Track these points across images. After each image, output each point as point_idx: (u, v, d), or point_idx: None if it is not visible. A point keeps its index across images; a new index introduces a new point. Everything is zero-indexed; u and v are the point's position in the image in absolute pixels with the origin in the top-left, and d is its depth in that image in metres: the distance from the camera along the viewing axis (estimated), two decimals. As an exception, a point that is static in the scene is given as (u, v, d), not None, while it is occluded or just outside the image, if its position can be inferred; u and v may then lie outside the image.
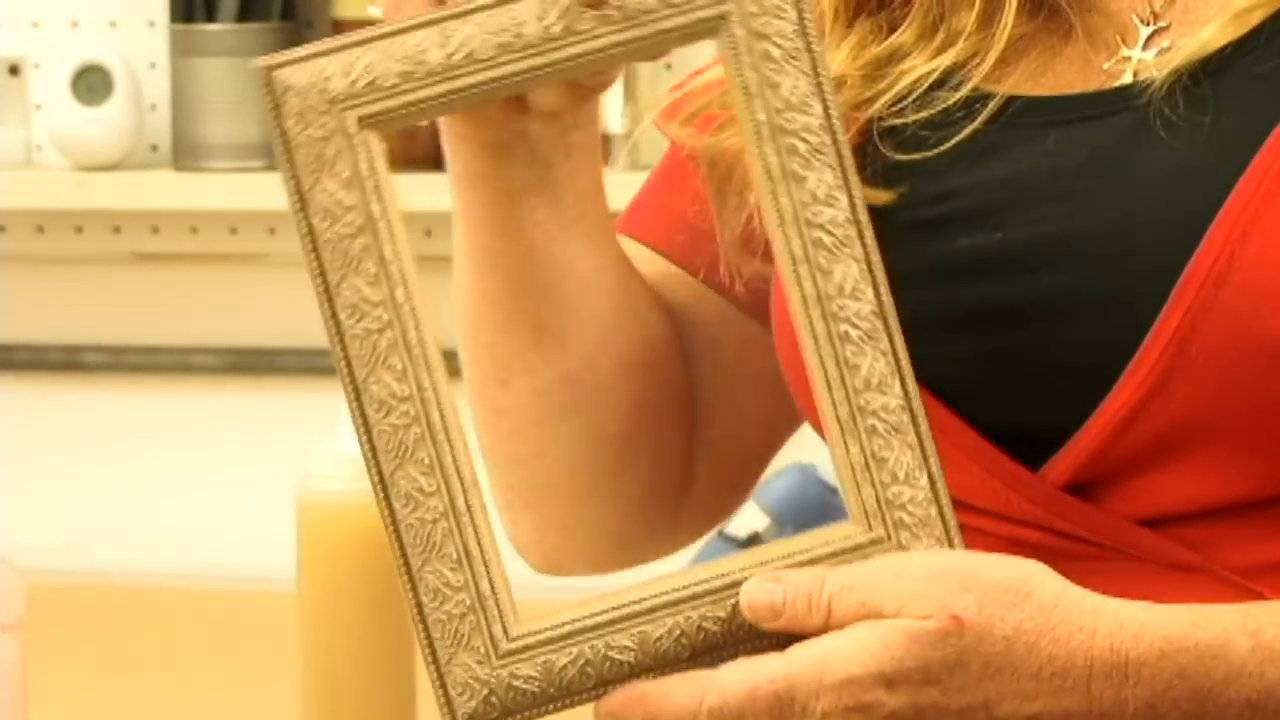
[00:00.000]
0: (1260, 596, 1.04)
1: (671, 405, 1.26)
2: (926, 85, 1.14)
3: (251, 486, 1.94)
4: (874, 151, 1.13)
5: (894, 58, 1.16)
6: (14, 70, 2.46)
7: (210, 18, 2.42)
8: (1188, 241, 1.04)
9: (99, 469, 2.38)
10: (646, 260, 1.27)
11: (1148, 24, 1.13)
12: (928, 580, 0.97)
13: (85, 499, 2.28)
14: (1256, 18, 1.08)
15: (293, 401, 2.27)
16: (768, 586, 0.97)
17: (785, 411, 1.21)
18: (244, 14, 2.41)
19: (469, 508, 1.05)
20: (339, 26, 2.42)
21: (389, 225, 1.07)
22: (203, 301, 2.51)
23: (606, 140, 2.29)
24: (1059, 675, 0.97)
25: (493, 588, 1.05)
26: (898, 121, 1.14)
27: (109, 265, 2.50)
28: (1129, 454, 1.06)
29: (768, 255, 1.11)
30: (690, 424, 1.28)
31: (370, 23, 2.38)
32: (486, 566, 1.07)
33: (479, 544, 1.06)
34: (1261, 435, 1.04)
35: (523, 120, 1.11)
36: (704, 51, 1.22)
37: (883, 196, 1.11)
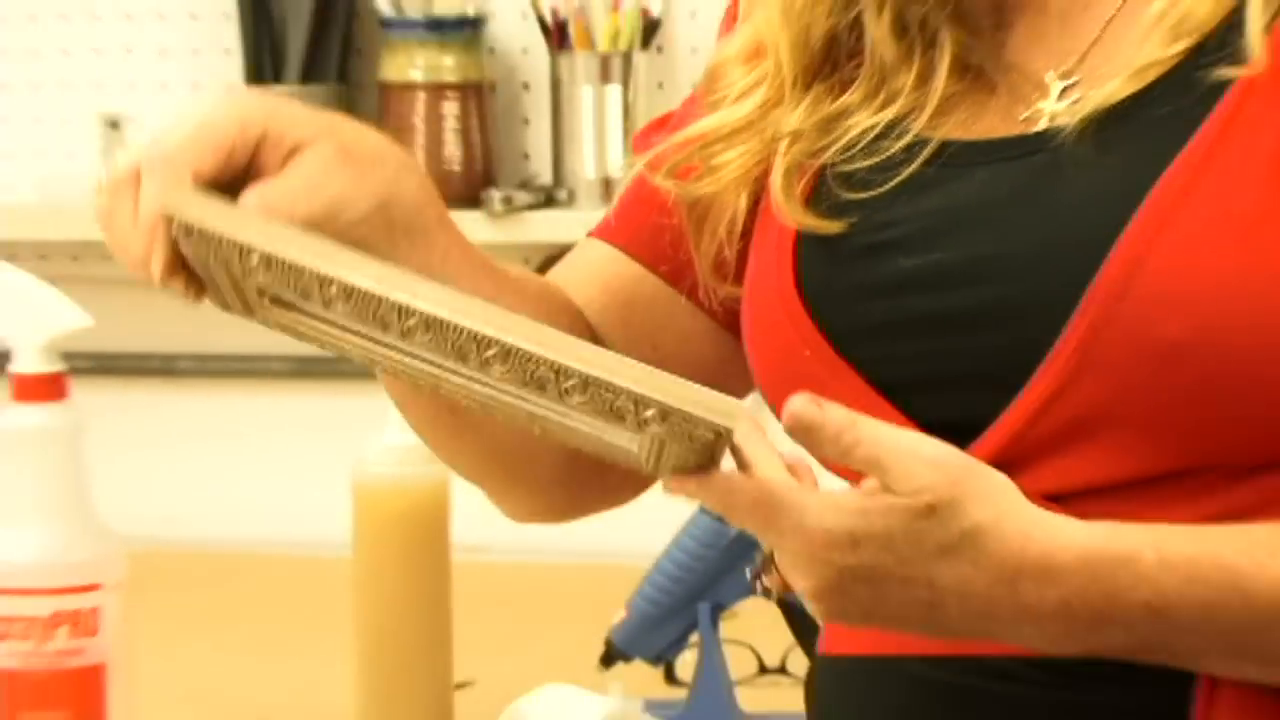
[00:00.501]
0: None
1: None
2: (872, 136, 1.13)
3: (315, 471, 1.97)
4: (827, 191, 1.13)
5: (844, 114, 1.15)
6: (114, 125, 2.45)
7: (278, 79, 2.39)
8: (1093, 261, 1.03)
9: (189, 457, 2.43)
10: (622, 262, 1.27)
11: (1061, 80, 1.11)
12: (927, 464, 0.96)
13: (178, 481, 2.33)
14: (1153, 73, 1.06)
15: (349, 401, 2.27)
16: (813, 408, 0.94)
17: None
18: (306, 77, 2.38)
19: None
20: (385, 89, 2.40)
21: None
22: None
23: (608, 184, 2.31)
24: (994, 569, 0.96)
25: None
26: (848, 167, 1.13)
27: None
28: (1040, 439, 1.05)
29: (738, 278, 1.16)
30: None
31: (412, 85, 2.36)
32: None
33: None
34: (1154, 425, 1.03)
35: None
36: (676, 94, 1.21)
37: (836, 226, 1.11)
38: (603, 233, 1.28)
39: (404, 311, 0.96)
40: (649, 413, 0.93)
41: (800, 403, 0.94)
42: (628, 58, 2.31)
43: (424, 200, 1.14)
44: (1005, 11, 1.14)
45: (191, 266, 1.02)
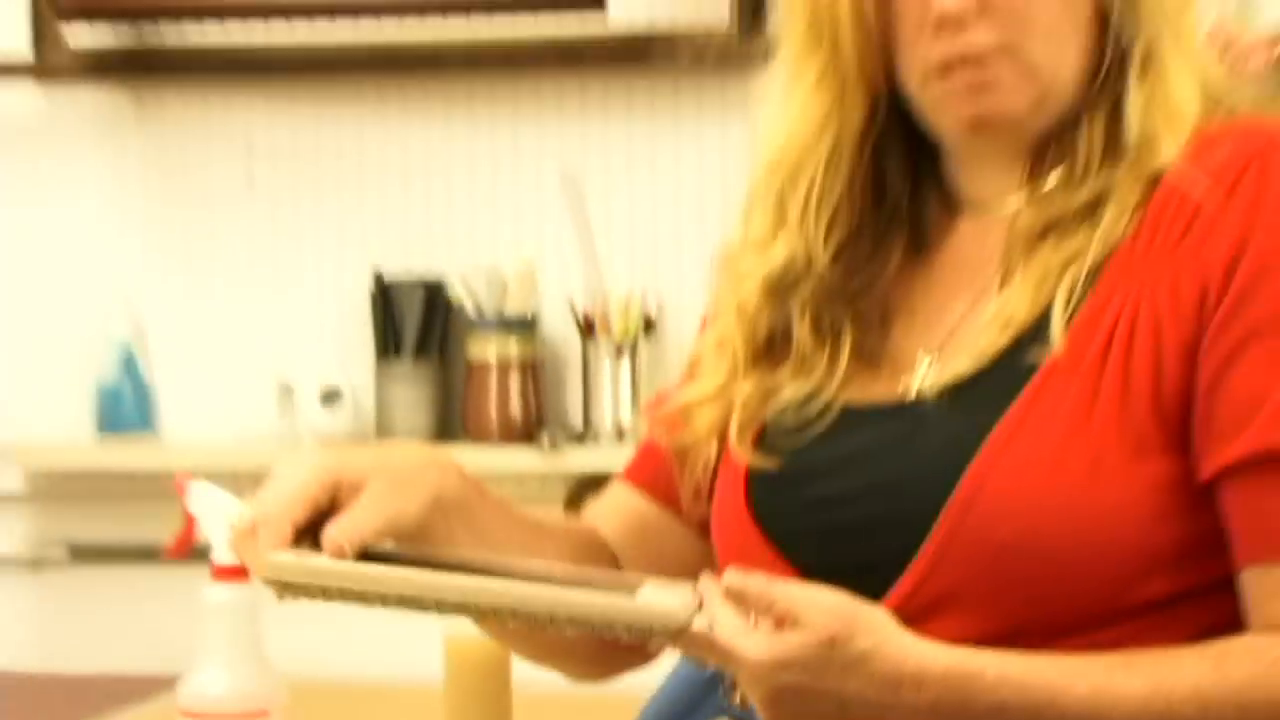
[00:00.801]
0: None
1: None
2: (797, 402, 1.10)
3: (418, 628, 1.97)
4: (768, 441, 1.10)
5: (778, 387, 1.11)
6: (287, 390, 2.40)
7: (397, 355, 2.35)
8: (946, 489, 1.01)
9: (335, 614, 2.32)
10: (636, 497, 1.22)
11: (927, 359, 1.08)
12: (825, 609, 0.94)
13: (326, 630, 2.19)
14: (989, 356, 1.03)
15: None
16: (740, 578, 0.94)
17: None
18: (417, 355, 2.34)
19: None
20: (469, 365, 2.35)
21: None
22: None
23: (621, 430, 2.30)
24: (881, 681, 0.94)
25: None
26: (781, 424, 1.11)
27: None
28: (911, 613, 1.00)
29: (709, 501, 1.12)
30: None
31: (487, 364, 2.32)
32: None
33: None
34: (991, 602, 1.00)
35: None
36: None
37: (773, 464, 1.09)
38: (625, 475, 1.24)
39: (440, 604, 0.98)
40: (620, 629, 0.96)
41: (731, 576, 0.95)
42: (634, 345, 2.31)
43: (464, 488, 1.10)
44: (888, 314, 1.12)
45: None
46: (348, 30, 2.36)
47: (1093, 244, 1.03)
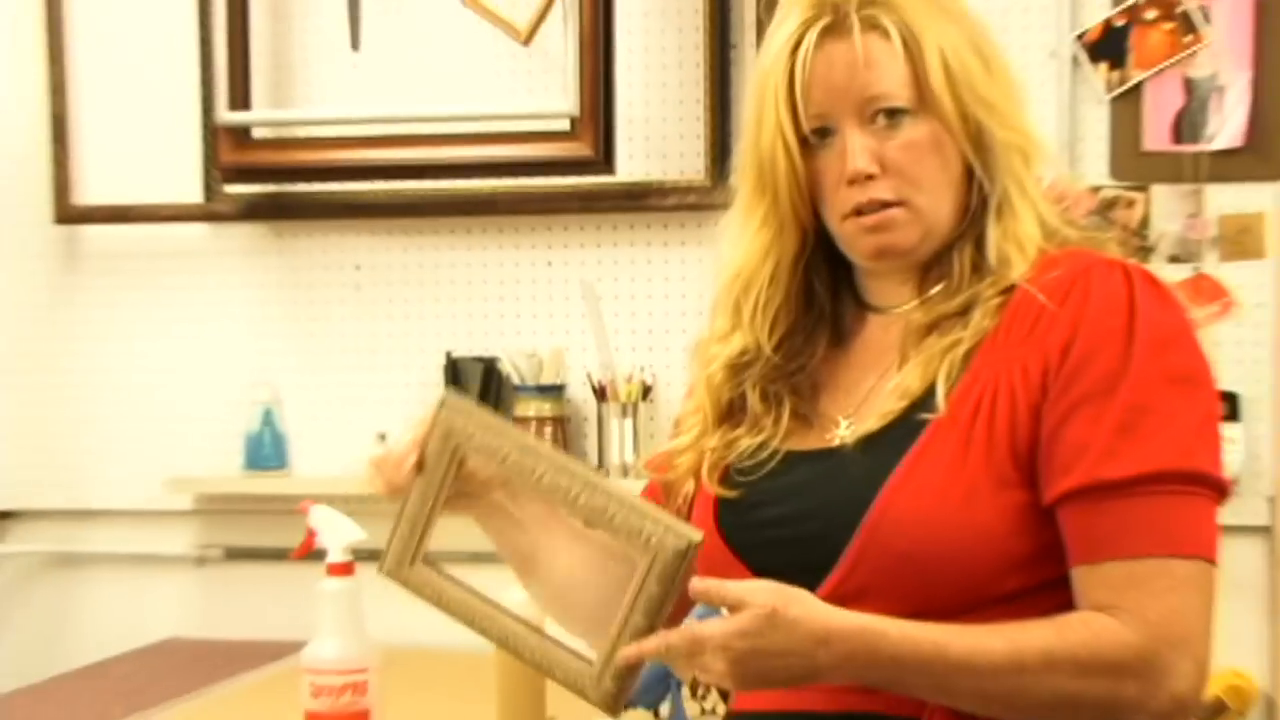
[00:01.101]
0: None
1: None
2: (751, 449, 1.10)
3: None
4: (731, 477, 1.10)
5: (737, 439, 1.11)
6: (382, 437, 2.29)
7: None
8: (861, 512, 1.01)
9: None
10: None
11: (845, 420, 1.08)
12: (765, 591, 0.94)
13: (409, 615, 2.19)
14: (890, 417, 1.03)
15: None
16: (700, 581, 0.95)
17: None
18: (483, 393, 2.28)
19: None
20: (516, 421, 2.26)
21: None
22: None
23: (626, 469, 2.24)
24: (811, 638, 0.93)
25: None
26: (740, 465, 1.10)
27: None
28: (838, 600, 0.99)
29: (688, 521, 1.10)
30: None
31: (528, 419, 2.29)
32: None
33: None
34: (897, 594, 0.99)
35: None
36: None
37: (734, 495, 1.09)
38: None
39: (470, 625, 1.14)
40: (648, 524, 0.98)
41: (696, 582, 0.95)
42: (635, 406, 2.28)
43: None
44: (817, 387, 1.12)
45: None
46: (428, 185, 2.36)
47: (966, 336, 1.03)
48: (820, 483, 1.06)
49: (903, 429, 1.03)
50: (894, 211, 1.05)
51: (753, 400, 1.11)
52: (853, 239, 1.07)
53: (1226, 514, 2.22)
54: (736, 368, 1.12)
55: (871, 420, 1.05)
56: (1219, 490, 1.00)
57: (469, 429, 1.06)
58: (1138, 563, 0.96)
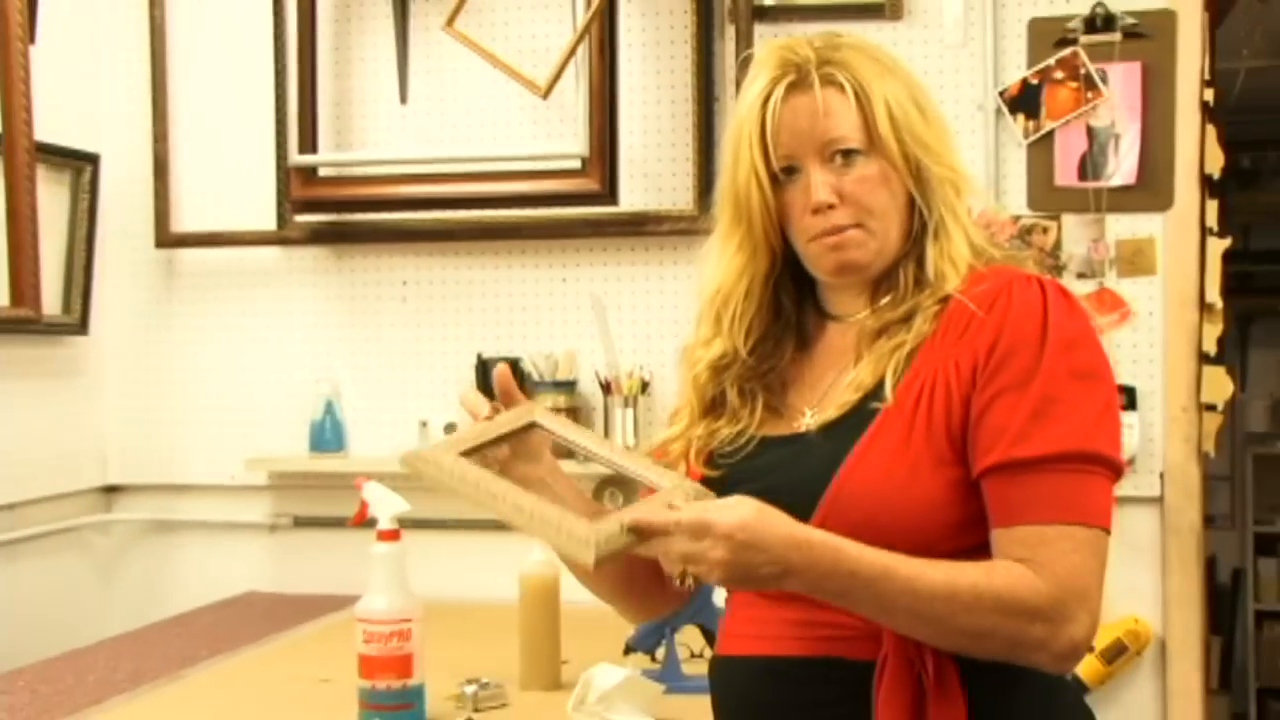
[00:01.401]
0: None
1: (648, 573, 1.13)
2: (731, 436, 1.08)
3: (504, 568, 1.87)
4: (715, 460, 1.08)
5: (719, 428, 1.09)
6: (424, 424, 2.34)
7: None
8: (822, 488, 1.00)
9: (454, 567, 2.24)
10: None
11: (810, 410, 1.06)
12: (735, 505, 0.92)
13: (443, 570, 2.14)
14: (847, 407, 1.02)
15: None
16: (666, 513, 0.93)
17: None
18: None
19: None
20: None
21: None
22: None
23: (629, 451, 2.22)
24: (789, 541, 0.92)
25: None
26: (722, 450, 1.09)
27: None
28: None
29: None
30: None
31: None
32: None
33: None
34: None
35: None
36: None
37: (716, 473, 1.07)
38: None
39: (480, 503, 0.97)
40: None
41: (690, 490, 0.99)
42: (636, 398, 2.24)
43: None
44: (786, 384, 1.10)
45: None
46: (463, 215, 2.34)
47: (909, 339, 1.02)
48: (788, 463, 1.04)
49: (857, 417, 1.02)
50: (851, 233, 1.04)
51: (731, 396, 1.09)
52: (817, 258, 1.06)
53: (1126, 487, 2.24)
54: (717, 369, 1.10)
55: (831, 410, 1.04)
56: (1115, 469, 0.98)
57: (548, 419, 1.08)
58: (1046, 527, 0.95)
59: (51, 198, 2.27)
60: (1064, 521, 0.95)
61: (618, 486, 2.26)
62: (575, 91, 2.23)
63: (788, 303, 1.11)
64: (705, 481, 1.08)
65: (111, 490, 2.47)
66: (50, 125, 2.21)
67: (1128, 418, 2.09)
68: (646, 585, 1.16)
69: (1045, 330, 0.98)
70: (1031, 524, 0.95)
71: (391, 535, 1.46)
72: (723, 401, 1.10)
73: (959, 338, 1.00)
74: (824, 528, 0.98)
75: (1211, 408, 2.12)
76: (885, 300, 1.06)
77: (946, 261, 1.04)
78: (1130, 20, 2.11)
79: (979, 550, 0.98)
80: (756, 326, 1.09)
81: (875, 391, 1.02)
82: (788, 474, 1.03)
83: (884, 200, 1.04)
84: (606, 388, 2.26)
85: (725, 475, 1.07)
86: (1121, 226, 2.14)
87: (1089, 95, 2.13)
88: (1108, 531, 0.97)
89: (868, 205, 1.04)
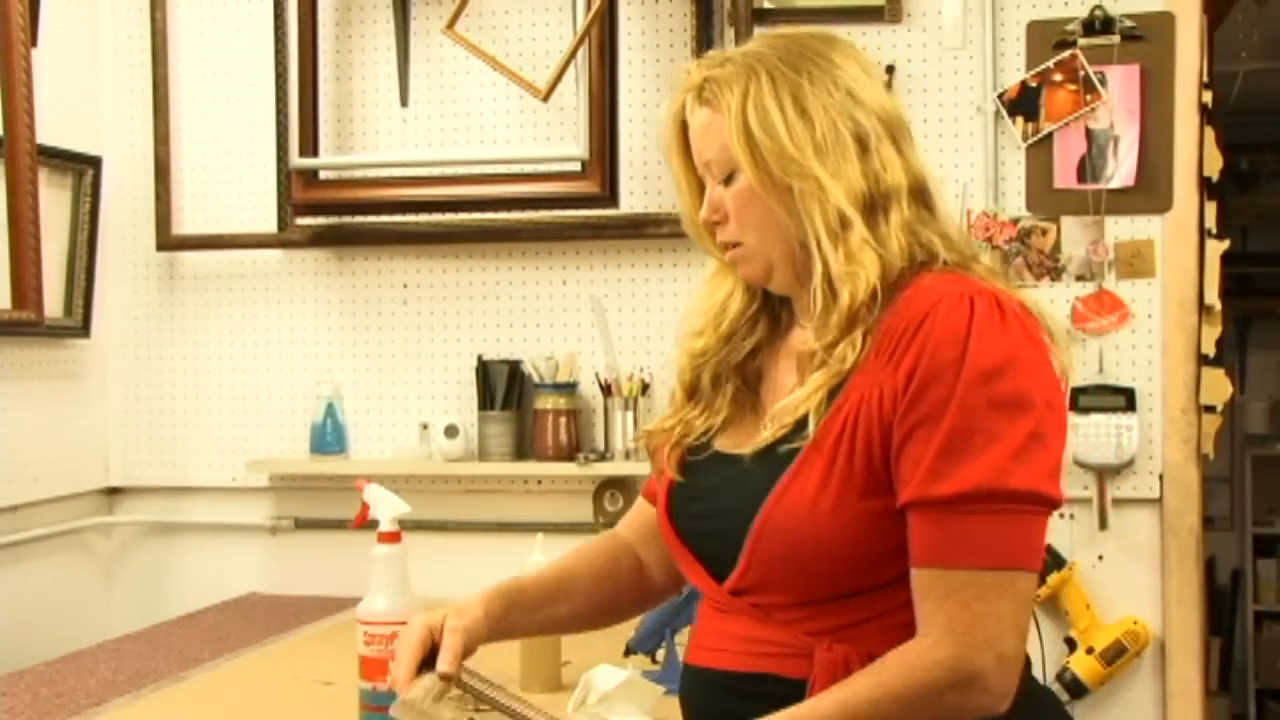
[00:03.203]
0: (794, 630, 0.98)
1: (636, 583, 1.18)
2: (699, 434, 1.08)
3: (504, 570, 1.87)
4: (684, 467, 1.08)
5: (693, 420, 1.09)
6: (425, 427, 2.33)
7: (491, 408, 2.26)
8: (756, 510, 0.98)
9: (455, 569, 2.22)
10: (645, 505, 1.18)
11: (769, 420, 1.03)
12: None
13: (442, 573, 2.09)
14: (779, 434, 0.99)
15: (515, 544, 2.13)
16: None
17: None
18: (504, 407, 2.26)
19: None
20: (537, 413, 2.25)
21: None
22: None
23: (628, 452, 2.19)
24: None
25: None
26: (691, 454, 1.08)
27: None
28: (745, 589, 1.00)
29: None
30: (647, 579, 1.18)
31: (547, 411, 2.27)
32: None
33: None
34: (783, 586, 0.98)
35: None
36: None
37: (681, 479, 1.07)
38: (641, 494, 1.22)
39: None
40: None
41: None
42: (636, 400, 2.24)
43: (504, 588, 1.11)
44: (763, 376, 1.08)
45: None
46: (464, 217, 2.33)
47: (841, 368, 0.98)
48: (727, 488, 1.03)
49: (785, 448, 0.99)
50: (736, 250, 1.04)
51: (705, 384, 1.08)
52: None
53: (1125, 489, 2.24)
54: (695, 356, 1.10)
55: (767, 434, 1.01)
56: (1040, 503, 0.94)
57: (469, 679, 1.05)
58: (951, 573, 0.92)
59: (53, 200, 2.28)
60: (972, 567, 0.92)
61: (617, 488, 2.26)
62: (575, 94, 2.22)
63: (764, 297, 1.09)
64: (671, 492, 1.09)
65: (113, 492, 2.47)
66: (52, 128, 2.23)
67: (1126, 419, 2.09)
68: (628, 607, 1.20)
69: (963, 359, 0.92)
70: (938, 568, 0.92)
71: (392, 537, 1.46)
72: (698, 392, 1.10)
73: (886, 362, 0.96)
74: (753, 562, 0.98)
75: (1210, 409, 2.12)
76: (814, 321, 1.01)
77: (842, 277, 0.98)
78: (1129, 23, 2.11)
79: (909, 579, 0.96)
80: (733, 317, 1.08)
81: (803, 422, 0.99)
82: (727, 498, 1.02)
83: (757, 217, 1.01)
84: (607, 389, 2.25)
85: (684, 485, 1.08)
86: (1120, 228, 2.13)
87: (1088, 97, 2.12)
88: (1026, 570, 0.93)
89: (745, 221, 1.02)
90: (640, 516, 1.19)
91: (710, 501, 1.04)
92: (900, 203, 1.00)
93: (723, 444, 1.06)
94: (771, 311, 1.09)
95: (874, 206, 0.99)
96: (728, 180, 1.02)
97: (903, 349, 0.95)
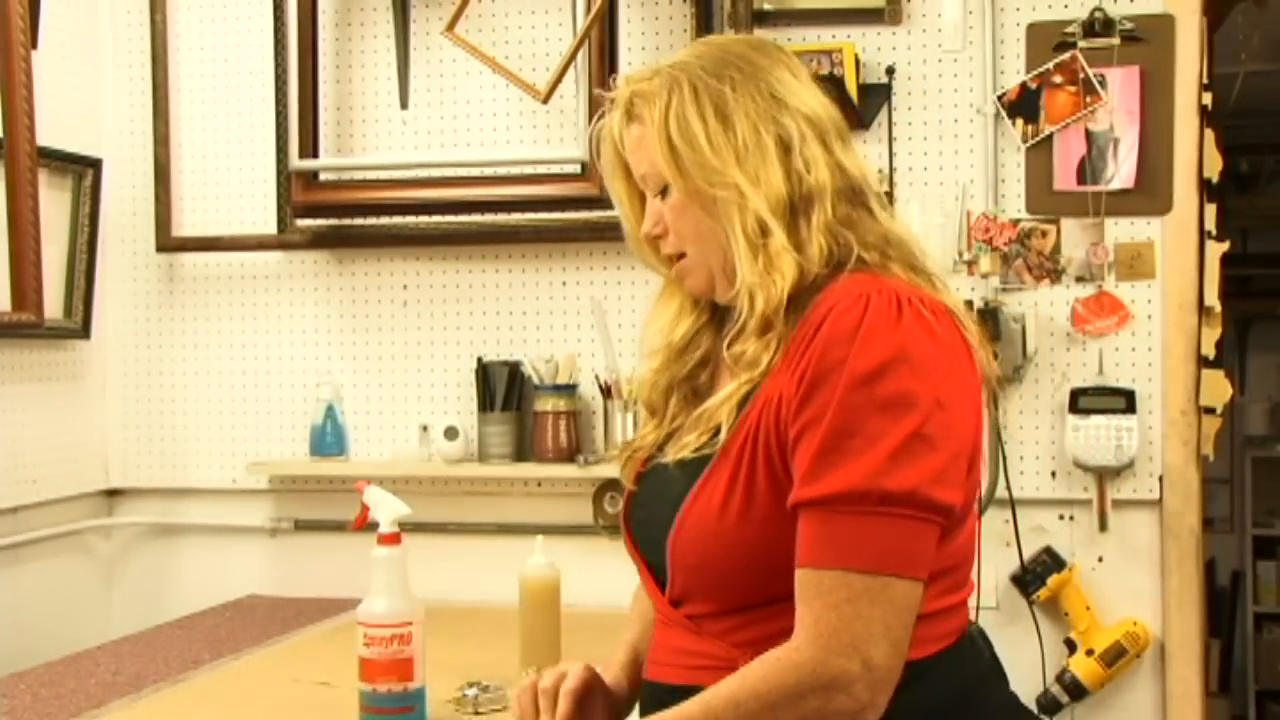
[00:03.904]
0: (722, 642, 0.98)
1: None
2: (649, 448, 1.08)
3: (504, 571, 1.88)
4: (638, 477, 1.07)
5: (647, 434, 1.09)
6: (425, 429, 2.33)
7: (492, 409, 2.25)
8: (673, 517, 0.99)
9: (457, 570, 2.24)
10: None
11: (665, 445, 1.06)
12: None
13: (448, 576, 2.14)
14: (697, 444, 1.00)
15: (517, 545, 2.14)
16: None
17: None
18: (504, 408, 2.25)
19: None
20: (537, 415, 2.26)
21: None
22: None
23: None
24: None
25: None
26: (647, 463, 1.08)
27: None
28: (677, 598, 1.00)
29: None
30: None
31: (547, 413, 2.27)
32: None
33: None
34: (703, 596, 0.98)
35: None
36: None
37: (635, 489, 1.08)
38: None
39: None
40: None
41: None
42: (635, 402, 2.21)
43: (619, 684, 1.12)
44: (710, 384, 1.07)
45: None
46: (464, 219, 2.33)
47: (753, 374, 0.98)
48: (655, 498, 1.04)
49: (699, 457, 0.99)
50: (680, 262, 1.04)
51: (660, 399, 1.09)
52: None
53: (1125, 490, 2.24)
54: (652, 375, 1.10)
55: (687, 442, 1.01)
56: (919, 507, 0.91)
57: None
58: (823, 574, 0.91)
59: (53, 202, 2.29)
60: (842, 568, 0.90)
61: (617, 490, 2.26)
62: (575, 96, 2.22)
63: (711, 309, 1.09)
64: (629, 502, 1.09)
65: (113, 494, 2.47)
66: (52, 130, 2.24)
67: (1125, 421, 2.09)
68: None
69: (847, 359, 0.91)
70: (813, 568, 0.91)
71: (392, 539, 1.46)
72: (661, 408, 1.10)
73: (790, 366, 0.95)
74: (676, 571, 1.00)
75: (1210, 411, 2.12)
76: (734, 328, 1.00)
77: (756, 285, 0.97)
78: (1128, 24, 2.11)
79: None
80: (684, 333, 1.08)
81: (715, 433, 0.99)
82: (658, 507, 1.02)
83: (692, 228, 1.01)
84: (607, 391, 2.25)
85: (635, 496, 1.08)
86: (1120, 230, 2.13)
87: (1088, 99, 2.12)
88: (905, 577, 0.90)
89: (682, 233, 1.02)
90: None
91: (647, 509, 1.05)
92: (824, 204, 0.98)
93: (668, 453, 1.06)
94: (720, 322, 1.08)
95: (795, 210, 0.98)
96: (664, 193, 1.02)
97: (801, 353, 0.94)
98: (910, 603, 0.91)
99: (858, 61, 2.16)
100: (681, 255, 1.04)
